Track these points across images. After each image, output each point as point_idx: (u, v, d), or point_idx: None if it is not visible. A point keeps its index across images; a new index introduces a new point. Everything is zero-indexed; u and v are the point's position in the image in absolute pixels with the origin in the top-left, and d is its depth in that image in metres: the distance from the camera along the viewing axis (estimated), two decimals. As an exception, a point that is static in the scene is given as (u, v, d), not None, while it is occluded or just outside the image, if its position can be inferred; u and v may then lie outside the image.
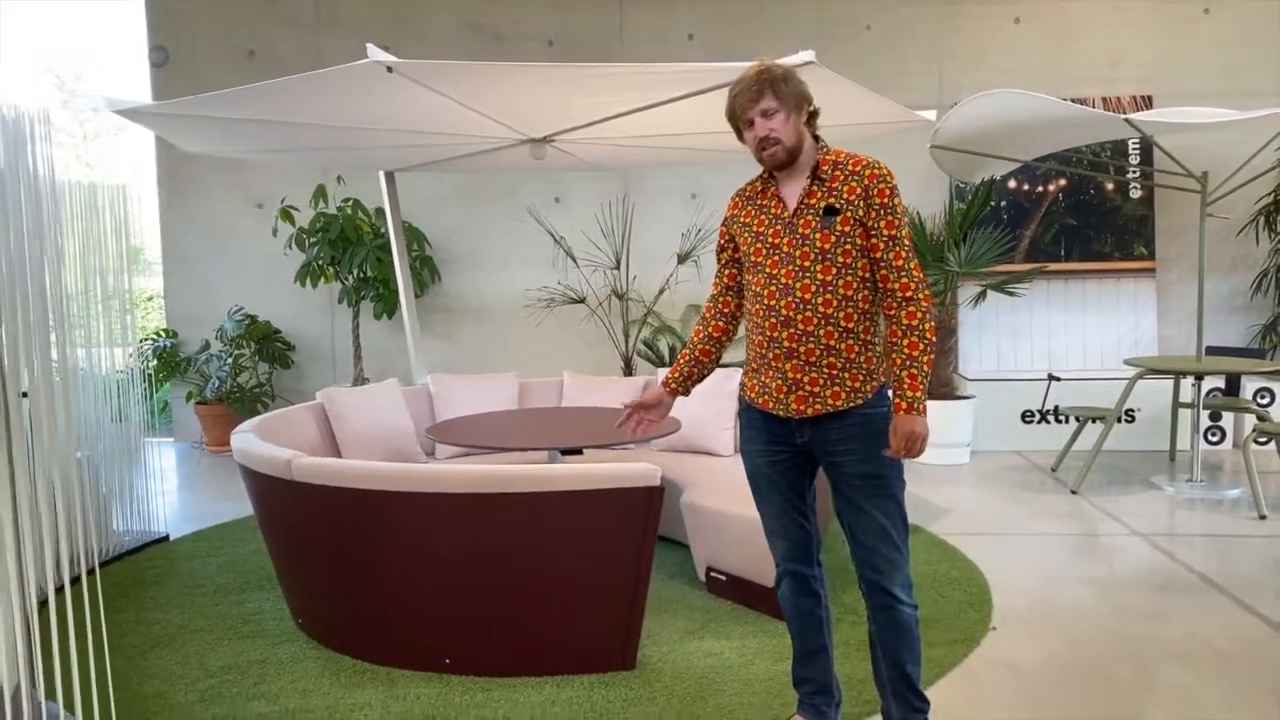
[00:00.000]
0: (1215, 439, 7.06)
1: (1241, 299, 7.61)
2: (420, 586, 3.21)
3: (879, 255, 2.42)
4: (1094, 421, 6.29)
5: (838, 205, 2.41)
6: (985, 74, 7.51)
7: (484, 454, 4.97)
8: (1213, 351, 6.63)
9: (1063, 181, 7.45)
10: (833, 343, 2.43)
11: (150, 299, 10.94)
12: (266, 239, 7.77)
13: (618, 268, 7.39)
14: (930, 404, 6.67)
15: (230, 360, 7.63)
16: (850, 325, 2.43)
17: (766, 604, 3.72)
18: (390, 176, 5.75)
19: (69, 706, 2.75)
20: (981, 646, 3.44)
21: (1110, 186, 7.45)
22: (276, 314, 8.09)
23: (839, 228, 2.41)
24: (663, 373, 5.34)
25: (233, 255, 8.14)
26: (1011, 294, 6.97)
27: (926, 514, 5.27)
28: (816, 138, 2.52)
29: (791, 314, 2.43)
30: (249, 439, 3.66)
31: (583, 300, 7.36)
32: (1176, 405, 6.60)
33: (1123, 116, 5.41)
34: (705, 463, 4.77)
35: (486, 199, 8.02)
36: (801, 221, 2.45)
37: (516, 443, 3.97)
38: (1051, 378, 6.75)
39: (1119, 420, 6.85)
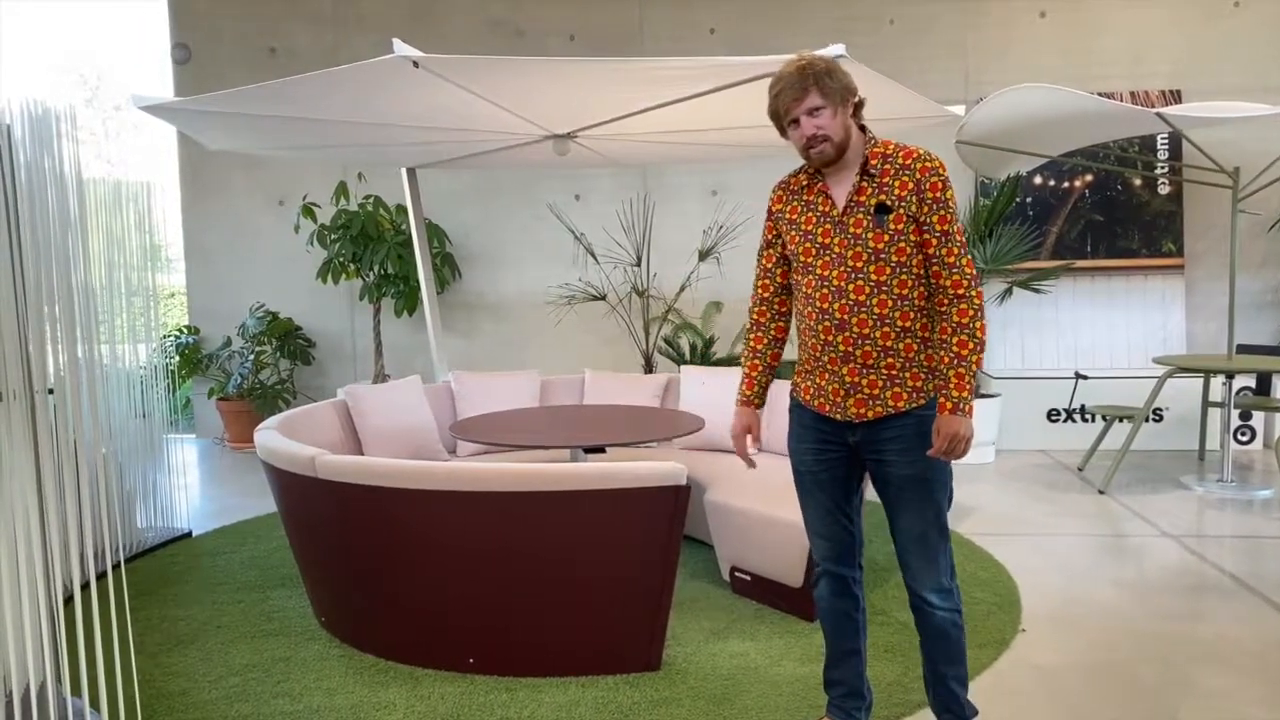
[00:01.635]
0: (1245, 438, 6.96)
1: (1273, 296, 7.49)
2: (444, 585, 3.19)
3: (930, 251, 2.34)
4: (1121, 420, 6.21)
5: (889, 202, 2.33)
6: (1009, 69, 7.43)
7: (506, 452, 4.95)
8: (1243, 349, 6.53)
9: (1089, 177, 7.35)
10: (890, 343, 2.36)
11: (172, 295, 11.01)
12: (288, 236, 7.78)
13: (638, 264, 7.35)
14: (954, 402, 6.61)
15: (252, 357, 7.65)
16: (907, 324, 2.36)
17: (791, 604, 3.68)
18: (412, 173, 5.74)
19: (94, 703, 2.74)
20: (1011, 649, 3.39)
21: (1138, 182, 7.35)
22: (298, 311, 8.11)
23: (892, 226, 2.33)
24: (686, 369, 5.30)
25: (254, 252, 8.17)
26: (1037, 291, 6.89)
27: (952, 514, 5.19)
28: (863, 128, 2.42)
29: (845, 317, 2.36)
30: (273, 436, 3.65)
31: (603, 297, 7.33)
32: (1206, 404, 6.51)
33: (1154, 111, 5.33)
34: (729, 461, 4.73)
35: (507, 196, 8.00)
36: (852, 220, 2.37)
37: (539, 441, 3.94)
38: (1078, 376, 6.67)
39: (1147, 419, 6.76)
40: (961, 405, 2.31)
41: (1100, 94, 6.69)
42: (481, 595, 3.16)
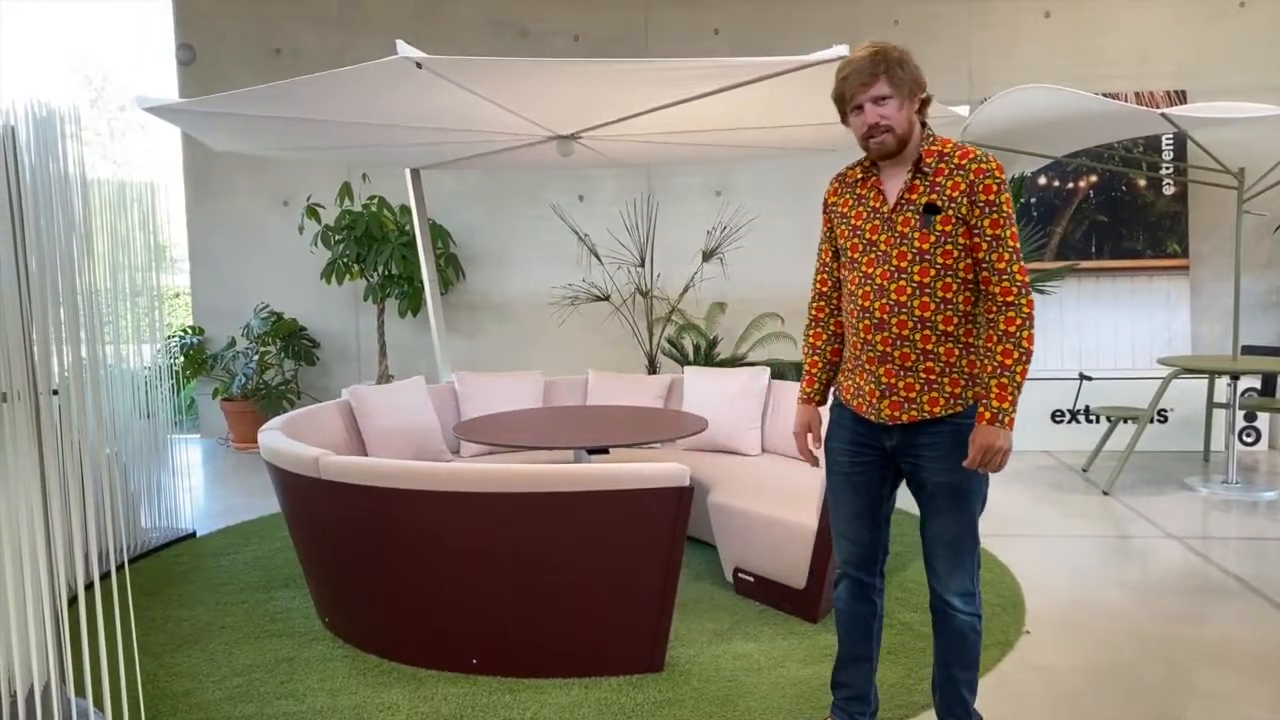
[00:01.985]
0: (1250, 440, 6.94)
1: (1278, 296, 7.48)
2: (447, 586, 3.19)
3: (980, 255, 2.27)
4: (1126, 421, 6.19)
5: (939, 203, 2.27)
6: (1014, 69, 7.42)
7: (509, 452, 4.95)
8: (1249, 350, 6.52)
9: (1094, 178, 7.34)
10: (930, 347, 2.30)
11: (177, 295, 11.03)
12: (292, 236, 7.80)
13: (642, 265, 7.36)
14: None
15: (256, 357, 7.66)
16: (949, 329, 2.30)
17: (795, 605, 3.68)
18: (416, 174, 5.75)
19: (98, 704, 2.75)
20: (1015, 650, 3.38)
21: (1142, 183, 7.34)
22: (302, 311, 8.12)
23: (939, 227, 2.27)
24: (690, 370, 5.30)
25: (259, 253, 8.18)
26: (1042, 292, 6.88)
27: (955, 515, 5.20)
28: (924, 124, 2.36)
29: (885, 317, 2.31)
30: (276, 437, 3.66)
31: (607, 298, 7.33)
32: (1211, 405, 6.49)
33: (1159, 111, 5.32)
34: (733, 462, 4.73)
35: (511, 197, 8.01)
36: (900, 218, 2.31)
37: (543, 442, 3.95)
38: (1083, 377, 6.65)
39: (1152, 420, 6.75)
40: (1001, 416, 2.24)
41: (1105, 94, 6.68)
42: (484, 596, 3.16)
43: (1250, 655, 3.31)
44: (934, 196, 2.28)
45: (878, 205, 2.37)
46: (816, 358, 2.63)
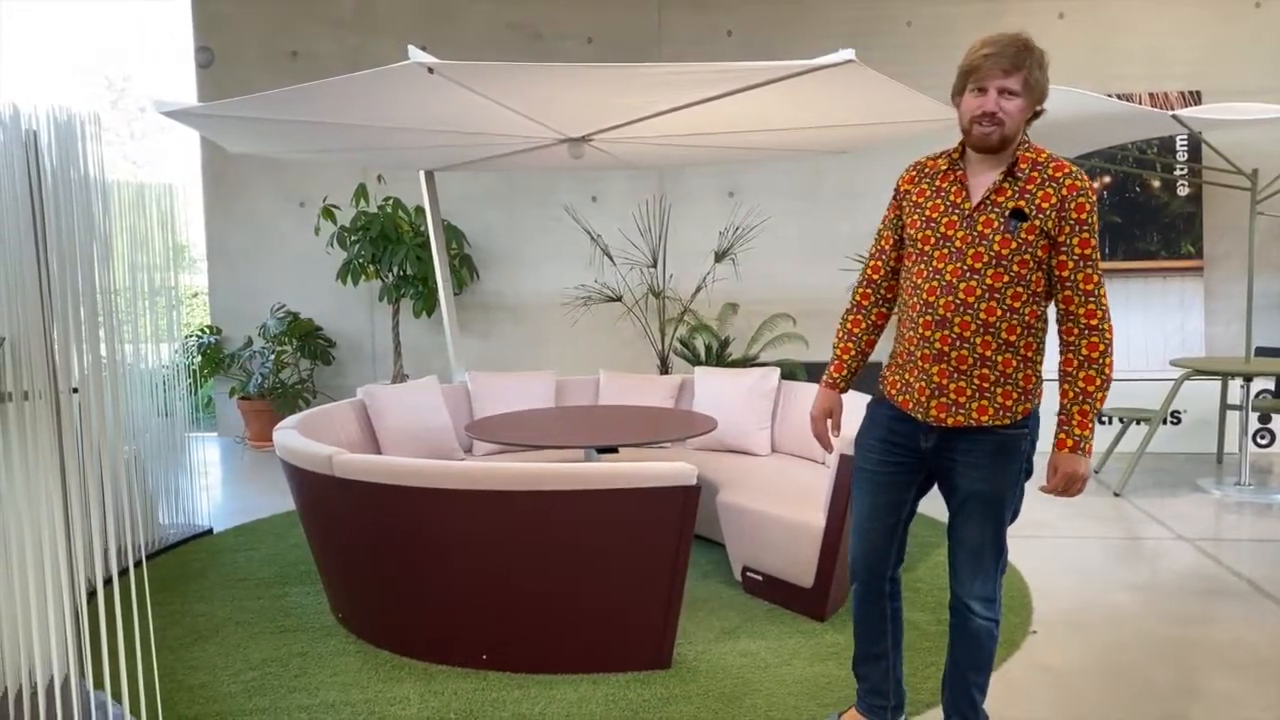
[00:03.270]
0: (1264, 441, 6.92)
1: (1292, 298, 7.44)
2: (458, 582, 3.24)
3: (1065, 274, 2.21)
4: (1138, 423, 6.18)
5: (1027, 210, 2.19)
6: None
7: (521, 451, 4.99)
8: (1262, 352, 6.49)
9: (1107, 179, 7.33)
10: (989, 353, 2.25)
11: (194, 295, 11.14)
12: (308, 237, 7.87)
13: (654, 266, 7.39)
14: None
15: (273, 357, 7.74)
16: (1011, 339, 2.24)
17: (803, 604, 3.70)
18: (430, 176, 5.80)
19: (116, 696, 2.81)
20: (1021, 650, 3.40)
21: (1156, 184, 7.32)
22: (318, 311, 8.20)
23: (1023, 235, 2.19)
24: (700, 370, 5.33)
25: (275, 253, 8.27)
26: (1054, 293, 6.86)
27: (965, 515, 5.21)
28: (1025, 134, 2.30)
29: (949, 315, 2.25)
30: (291, 435, 3.71)
31: (619, 299, 7.37)
32: (1224, 407, 6.47)
33: (1170, 113, 5.31)
34: (742, 462, 4.76)
35: (524, 198, 8.06)
36: (982, 218, 2.24)
37: (553, 441, 3.99)
38: (1095, 378, 6.63)
39: (1164, 421, 6.73)
40: (1083, 444, 2.23)
41: (1119, 95, 6.67)
42: (495, 593, 3.20)
43: (1260, 658, 3.31)
44: (1023, 203, 2.21)
45: (958, 200, 2.29)
46: (850, 344, 2.60)
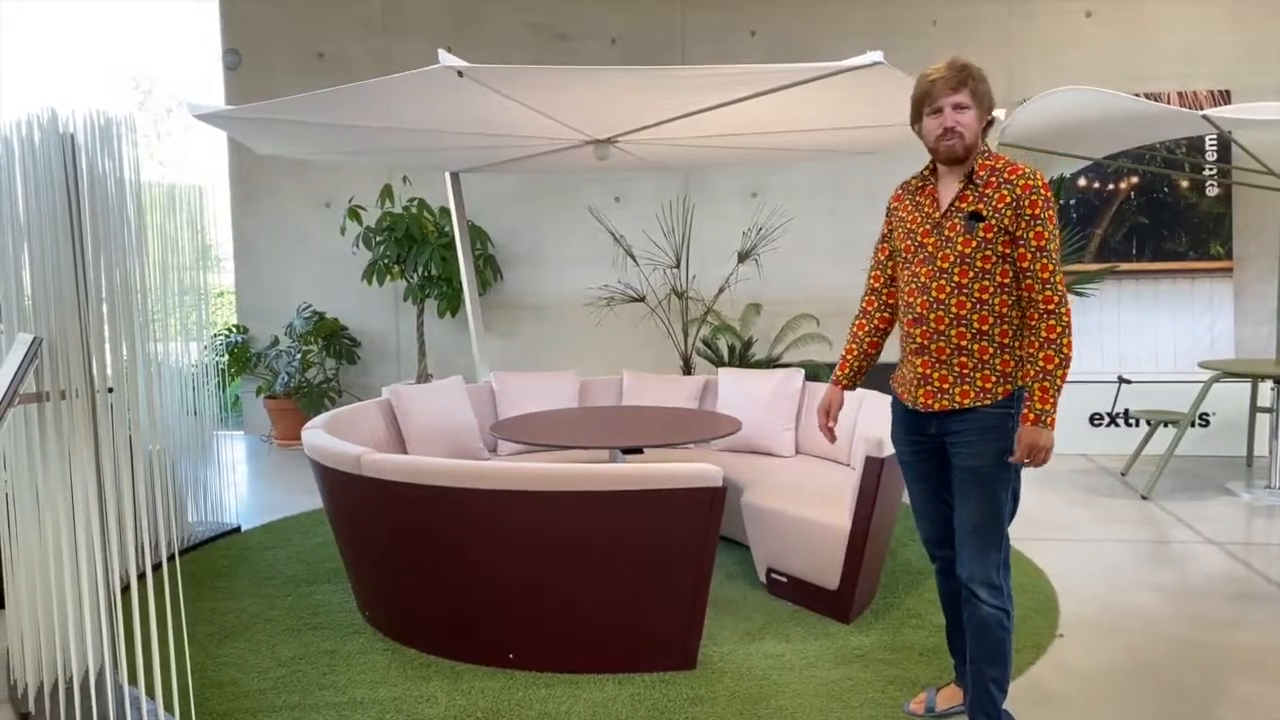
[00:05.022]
0: (1295, 445, 6.82)
1: (1324, 300, 7.34)
2: (484, 582, 3.26)
3: (1025, 265, 2.44)
4: (1165, 425, 6.12)
5: (984, 212, 2.44)
6: (1055, 70, 7.36)
7: (545, 451, 5.01)
8: (1293, 354, 6.40)
9: (1135, 179, 7.27)
10: (964, 343, 2.50)
11: (221, 295, 11.25)
12: (334, 238, 7.93)
13: (677, 266, 7.40)
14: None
15: (299, 356, 7.81)
16: (984, 328, 2.48)
17: (828, 606, 3.70)
18: (455, 177, 5.84)
19: (149, 692, 2.85)
20: (1048, 654, 3.39)
21: (1185, 184, 7.25)
22: (343, 311, 8.26)
23: (981, 234, 2.45)
24: (724, 371, 5.34)
25: (301, 253, 8.34)
26: (1081, 294, 6.82)
27: (991, 518, 5.18)
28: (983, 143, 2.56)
29: (925, 312, 2.53)
30: (320, 435, 3.75)
31: (642, 299, 7.38)
32: (1254, 409, 6.40)
33: (1200, 113, 5.26)
34: (766, 463, 4.76)
35: (548, 198, 8.09)
36: (949, 224, 2.51)
37: (578, 441, 4.00)
38: (1122, 380, 6.59)
39: (1193, 424, 6.66)
40: (1044, 417, 2.41)
41: (1147, 94, 6.60)
42: (521, 592, 3.22)
43: (1288, 663, 3.28)
44: (980, 206, 2.46)
45: (931, 211, 2.58)
46: (854, 345, 2.89)
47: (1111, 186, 7.30)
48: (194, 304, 4.95)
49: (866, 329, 2.86)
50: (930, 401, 2.57)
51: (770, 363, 6.96)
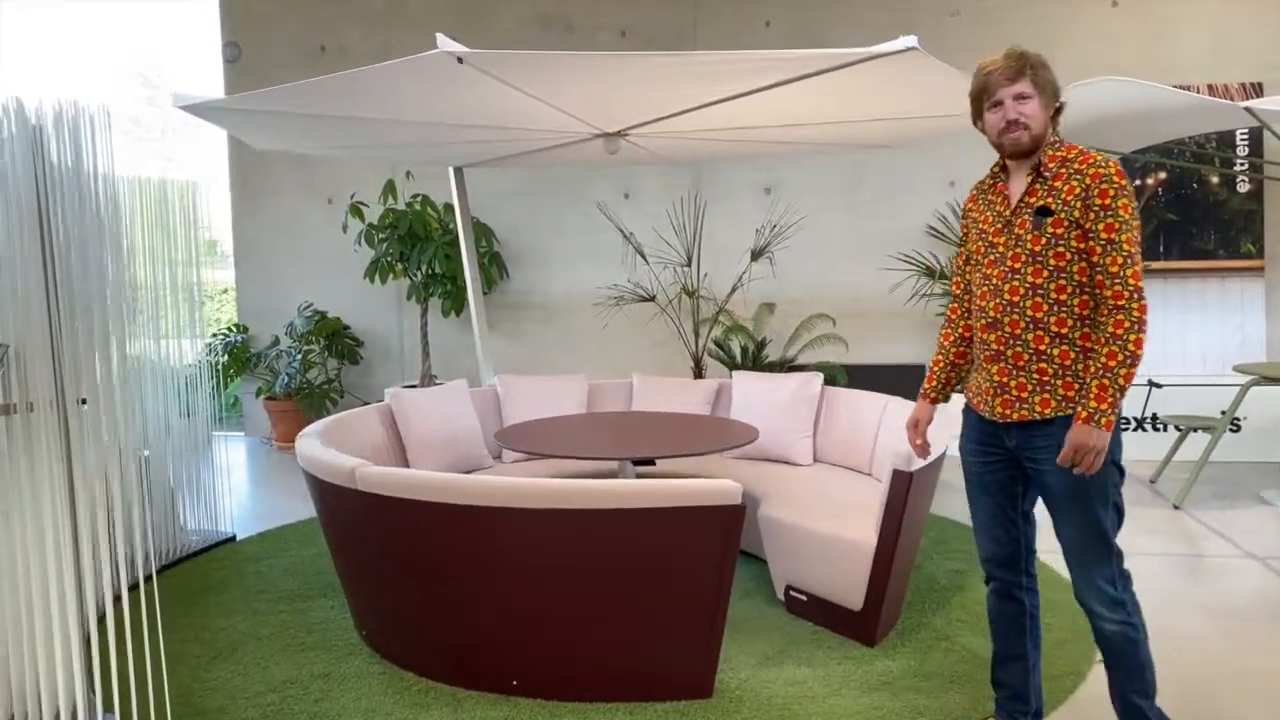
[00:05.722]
0: (1329, 450, 6.58)
1: (1358, 300, 7.09)
2: (487, 604, 3.05)
3: (1095, 258, 2.27)
4: (1196, 431, 5.88)
5: (1053, 206, 2.30)
6: (1076, 62, 7.10)
7: (553, 460, 4.80)
8: (1329, 357, 6.16)
9: (1162, 175, 7.02)
10: (1043, 348, 2.34)
11: (225, 291, 11.07)
12: (336, 235, 7.74)
13: (688, 265, 7.18)
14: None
15: (299, 356, 7.62)
16: (1063, 331, 2.32)
17: (852, 628, 3.49)
18: (459, 173, 5.63)
19: (127, 723, 2.65)
20: (1088, 681, 3.16)
21: (1215, 180, 7.00)
22: (345, 310, 8.07)
23: (1049, 230, 2.30)
24: (739, 375, 5.12)
25: (303, 251, 8.15)
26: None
27: (1017, 528, 4.95)
28: (1054, 132, 2.40)
29: (999, 316, 2.39)
30: (313, 444, 3.55)
31: (652, 298, 7.16)
32: (1288, 414, 6.16)
33: (1243, 105, 5.01)
34: (784, 473, 4.55)
35: (555, 195, 7.88)
36: (1018, 221, 2.37)
37: (587, 451, 3.80)
38: (1151, 384, 6.35)
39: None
40: (1097, 417, 2.22)
41: (1177, 87, 6.35)
42: (526, 615, 3.02)
43: (1349, 693, 3.06)
44: (1049, 199, 2.31)
45: (1001, 209, 2.44)
46: (940, 356, 2.75)
47: (1138, 183, 7.05)
48: (189, 302, 4.75)
49: (952, 338, 2.72)
50: (1008, 411, 2.40)
51: (784, 364, 6.75)
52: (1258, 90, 6.93)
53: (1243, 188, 6.98)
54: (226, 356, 7.76)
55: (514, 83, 3.37)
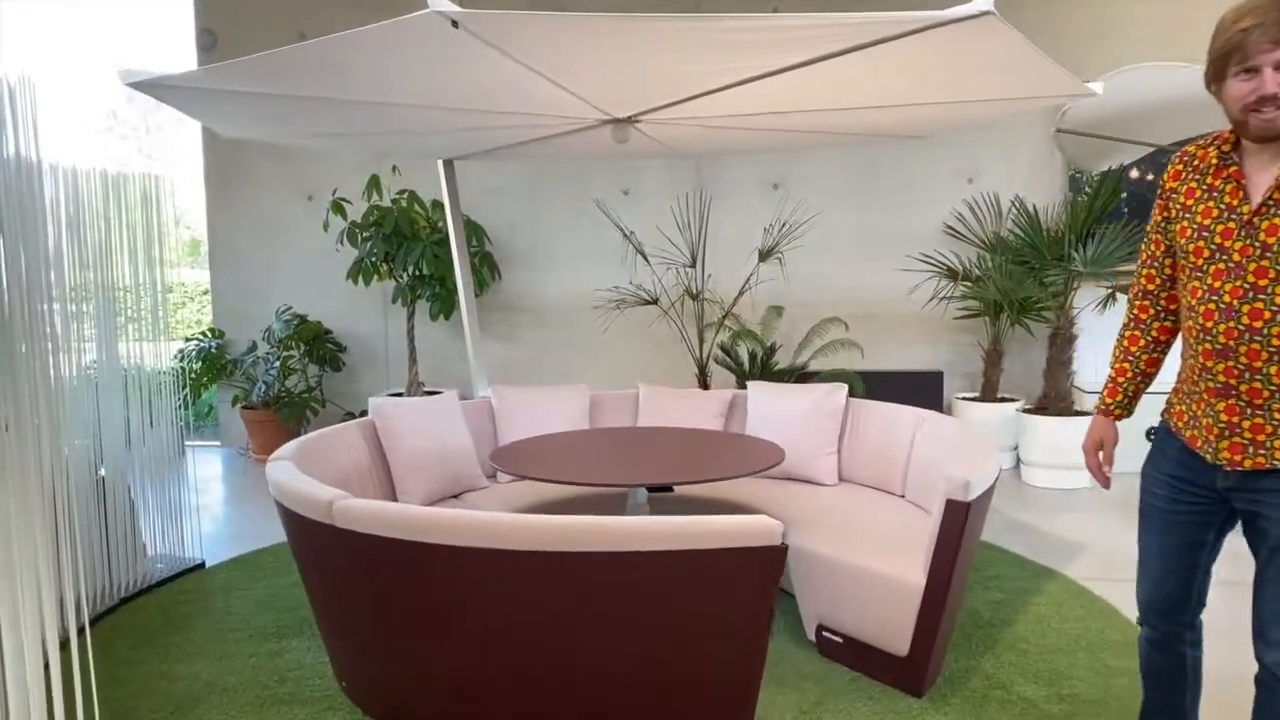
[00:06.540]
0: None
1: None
2: (484, 656, 2.63)
3: None
4: None
5: None
6: (1108, 49, 6.71)
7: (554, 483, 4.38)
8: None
9: None
10: None
11: (205, 293, 10.60)
12: (317, 234, 7.29)
13: (693, 265, 6.77)
14: (1045, 421, 5.95)
15: (278, 363, 7.16)
16: None
17: (895, 676, 3.09)
18: (449, 165, 5.20)
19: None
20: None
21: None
22: (327, 313, 7.62)
23: None
24: (754, 385, 4.71)
25: (281, 251, 7.69)
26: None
27: (1056, 552, 4.56)
28: None
29: (1231, 343, 1.93)
30: (286, 469, 3.11)
31: (654, 301, 6.75)
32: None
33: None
34: (807, 493, 4.15)
35: (550, 191, 7.46)
36: (1265, 224, 1.87)
37: (595, 476, 3.38)
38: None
39: None
40: None
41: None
42: (531, 669, 2.59)
43: None
44: None
45: (1235, 203, 1.93)
46: (1126, 364, 2.32)
47: (1167, 179, 6.67)
48: (151, 304, 4.31)
49: (1142, 343, 2.29)
50: (1239, 457, 1.96)
51: (795, 371, 6.34)
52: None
53: None
54: (201, 363, 7.29)
55: (513, 53, 2.94)
